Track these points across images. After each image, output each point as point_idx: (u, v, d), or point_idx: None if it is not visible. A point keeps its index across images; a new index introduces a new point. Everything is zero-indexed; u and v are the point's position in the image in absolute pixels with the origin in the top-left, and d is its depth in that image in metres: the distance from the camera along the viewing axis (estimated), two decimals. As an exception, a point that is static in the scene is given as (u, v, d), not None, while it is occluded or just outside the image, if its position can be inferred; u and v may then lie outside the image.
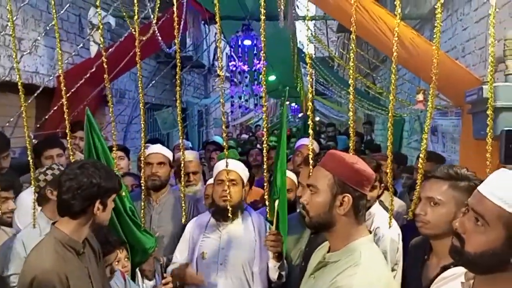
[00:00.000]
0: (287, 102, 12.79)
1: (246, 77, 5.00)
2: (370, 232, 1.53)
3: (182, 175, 2.42)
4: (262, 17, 1.91)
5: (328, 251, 1.53)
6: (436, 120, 4.34)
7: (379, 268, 1.43)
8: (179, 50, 2.19)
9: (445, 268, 1.59)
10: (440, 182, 1.60)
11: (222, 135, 10.19)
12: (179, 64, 2.20)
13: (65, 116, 3.65)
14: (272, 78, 6.32)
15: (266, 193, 2.29)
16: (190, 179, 2.91)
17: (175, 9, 2.11)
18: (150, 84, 5.16)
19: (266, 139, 2.23)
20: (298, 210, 2.51)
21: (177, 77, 2.20)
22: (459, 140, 3.37)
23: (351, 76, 1.85)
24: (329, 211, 1.45)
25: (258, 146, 6.91)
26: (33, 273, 1.57)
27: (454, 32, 3.63)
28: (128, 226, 2.32)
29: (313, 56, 8.01)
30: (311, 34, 5.77)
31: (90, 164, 1.75)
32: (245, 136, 10.87)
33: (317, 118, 15.72)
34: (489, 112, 1.68)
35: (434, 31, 1.65)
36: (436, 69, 1.60)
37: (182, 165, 2.42)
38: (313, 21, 5.16)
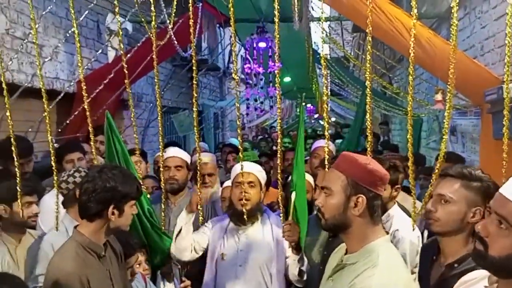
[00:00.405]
0: (303, 104, 12.74)
1: (261, 79, 5.02)
2: (387, 233, 1.52)
3: (198, 178, 2.44)
4: (276, 20, 1.92)
5: (346, 253, 1.53)
6: (455, 120, 4.27)
7: (398, 269, 1.42)
8: (195, 54, 2.22)
9: (450, 267, 1.58)
10: (453, 180, 1.59)
11: (238, 137, 10.26)
12: (195, 68, 2.23)
13: (85, 120, 3.73)
14: (287, 79, 6.32)
15: (280, 195, 2.29)
16: (205, 180, 2.94)
17: (190, 14, 2.14)
18: (167, 88, 5.23)
19: (281, 141, 2.23)
20: (315, 212, 2.52)
21: (194, 80, 2.23)
22: (479, 140, 3.32)
23: (368, 77, 1.84)
24: (344, 212, 1.45)
25: (274, 147, 6.91)
26: (55, 276, 1.60)
27: (473, 31, 3.57)
28: (146, 228, 2.36)
29: (328, 56, 7.99)
30: (326, 35, 5.76)
31: (109, 168, 1.77)
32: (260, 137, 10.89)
33: (333, 119, 15.63)
34: (505, 112, 1.65)
35: (451, 30, 1.62)
36: (453, 69, 1.58)
37: (197, 167, 2.44)
38: (328, 22, 5.14)
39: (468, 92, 2.89)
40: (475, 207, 1.55)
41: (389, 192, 2.19)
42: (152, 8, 2.26)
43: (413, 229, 2.00)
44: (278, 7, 1.89)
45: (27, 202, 2.20)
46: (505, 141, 1.63)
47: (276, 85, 2.12)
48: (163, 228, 2.54)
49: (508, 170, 1.83)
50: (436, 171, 1.60)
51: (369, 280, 1.34)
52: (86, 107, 2.35)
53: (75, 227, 1.78)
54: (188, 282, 2.15)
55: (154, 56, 2.38)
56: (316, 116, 16.29)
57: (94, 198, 1.68)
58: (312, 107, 15.00)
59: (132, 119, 2.46)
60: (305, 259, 2.25)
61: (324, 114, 2.13)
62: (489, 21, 3.22)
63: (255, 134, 13.30)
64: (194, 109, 2.33)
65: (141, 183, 1.92)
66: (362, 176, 1.45)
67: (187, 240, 2.35)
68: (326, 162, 1.98)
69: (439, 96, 3.06)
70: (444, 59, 2.60)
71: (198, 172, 2.42)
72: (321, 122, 16.73)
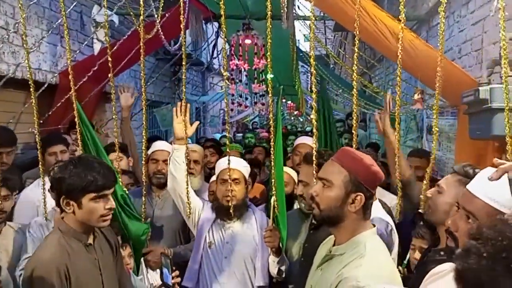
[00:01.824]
0: (283, 100, 12.83)
1: (246, 76, 5.05)
2: (374, 225, 1.59)
3: (186, 166, 2.40)
4: (269, 18, 1.96)
5: (334, 245, 1.59)
6: (432, 119, 4.42)
7: (383, 259, 1.49)
8: (185, 50, 2.24)
9: (436, 252, 1.66)
10: (453, 174, 1.67)
11: (220, 132, 10.22)
12: (185, 63, 2.24)
13: (67, 112, 3.68)
14: (271, 76, 6.36)
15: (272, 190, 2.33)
16: (191, 166, 2.94)
17: (181, 9, 2.16)
18: (150, 81, 5.19)
19: (273, 138, 2.27)
20: (297, 207, 2.58)
21: (183, 76, 2.25)
22: (454, 139, 3.45)
23: (354, 78, 1.91)
24: (340, 206, 1.50)
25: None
26: (33, 265, 1.62)
27: (451, 34, 3.71)
28: (120, 215, 2.34)
29: (309, 53, 8.08)
30: (310, 33, 5.82)
31: (72, 160, 1.75)
32: (239, 134, 10.90)
33: (312, 116, 15.75)
34: (506, 111, 1.73)
35: (439, 39, 1.71)
36: (440, 72, 1.67)
37: (187, 155, 2.42)
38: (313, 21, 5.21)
39: (446, 93, 3.01)
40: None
41: None
42: (141, 1, 2.26)
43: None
44: (270, 5, 1.93)
45: None
46: (509, 140, 1.70)
47: (268, 81, 2.17)
48: (143, 218, 2.54)
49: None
50: (428, 169, 1.68)
51: (356, 270, 1.40)
52: (73, 98, 2.32)
53: (61, 216, 1.78)
54: (177, 273, 2.19)
55: (141, 50, 2.38)
56: (295, 112, 16.42)
57: (53, 189, 1.72)
58: (292, 103, 15.10)
59: (113, 111, 2.44)
60: (286, 259, 2.31)
61: (313, 113, 2.19)
62: (467, 25, 3.35)
63: (236, 129, 13.32)
64: (183, 103, 2.35)
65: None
66: (365, 176, 1.50)
67: (183, 169, 2.30)
68: (314, 159, 2.04)
69: (417, 96, 3.16)
70: (424, 61, 2.72)
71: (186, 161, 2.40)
72: (301, 119, 16.91)
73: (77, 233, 1.73)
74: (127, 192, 2.39)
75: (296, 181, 2.67)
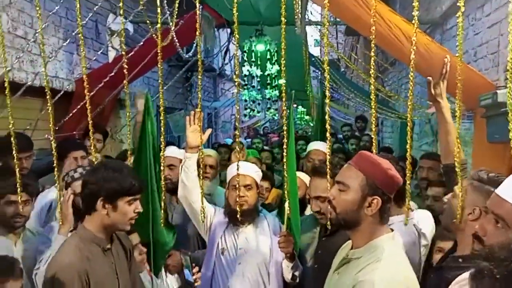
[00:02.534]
0: (294, 105, 12.84)
1: (258, 81, 5.07)
2: (392, 230, 1.58)
3: (201, 171, 2.39)
4: (283, 25, 1.97)
5: (351, 248, 1.58)
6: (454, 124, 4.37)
7: (400, 263, 1.48)
8: (200, 56, 2.26)
9: (454, 258, 1.63)
10: (468, 179, 1.66)
11: (232, 138, 10.28)
12: (201, 70, 2.26)
13: (82, 119, 3.73)
14: (281, 81, 6.40)
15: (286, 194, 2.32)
16: (206, 170, 2.94)
17: (198, 17, 2.19)
18: (163, 88, 5.23)
19: (285, 142, 2.27)
20: (309, 212, 2.56)
21: (199, 82, 2.27)
22: (470, 143, 3.41)
23: (372, 86, 1.90)
24: (357, 210, 1.50)
25: (266, 147, 6.97)
26: (54, 269, 1.65)
27: (466, 37, 3.67)
28: (156, 222, 2.38)
29: (321, 58, 8.08)
30: (322, 38, 5.83)
31: (107, 163, 1.83)
32: (240, 139, 10.92)
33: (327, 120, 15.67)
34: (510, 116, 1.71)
35: (457, 44, 1.70)
36: (460, 76, 1.66)
37: (202, 160, 2.44)
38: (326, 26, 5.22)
39: (462, 97, 2.98)
40: (472, 208, 1.61)
41: None
42: (158, 10, 2.29)
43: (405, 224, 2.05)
44: (285, 12, 1.94)
45: (10, 201, 2.21)
46: None
47: (281, 86, 2.17)
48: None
49: (504, 172, 1.90)
50: (458, 177, 1.65)
51: (372, 274, 1.40)
52: (87, 105, 2.36)
53: (81, 222, 1.82)
54: (197, 268, 2.19)
55: (159, 57, 2.42)
56: (306, 117, 16.39)
57: (86, 190, 1.75)
58: (303, 109, 15.08)
59: (127, 118, 2.49)
60: (299, 265, 2.30)
61: (327, 117, 2.18)
62: (483, 28, 3.32)
63: (247, 134, 13.35)
64: (199, 109, 2.37)
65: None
66: (382, 180, 1.50)
67: (194, 177, 2.32)
68: (328, 166, 2.02)
69: (433, 100, 3.13)
70: (439, 64, 2.69)
71: (200, 164, 2.40)
72: (311, 124, 16.87)
73: (97, 237, 1.76)
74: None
75: (308, 185, 2.66)
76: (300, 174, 2.88)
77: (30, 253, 2.26)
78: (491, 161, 2.57)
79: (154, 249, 2.38)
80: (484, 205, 1.57)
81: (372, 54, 1.86)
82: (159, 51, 2.39)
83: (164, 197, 2.54)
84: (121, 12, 2.44)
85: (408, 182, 1.96)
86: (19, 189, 2.13)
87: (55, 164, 2.31)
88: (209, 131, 2.53)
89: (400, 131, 6.38)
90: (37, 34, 3.10)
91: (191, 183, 2.33)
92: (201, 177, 2.34)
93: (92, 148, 2.44)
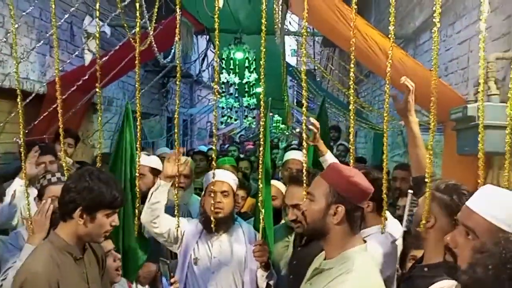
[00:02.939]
0: (271, 114, 12.92)
1: (236, 89, 5.08)
2: (365, 241, 1.59)
3: (176, 180, 2.35)
4: (263, 34, 1.98)
5: (324, 259, 1.59)
6: (428, 137, 4.49)
7: (371, 275, 1.49)
8: (179, 62, 2.24)
9: (420, 268, 1.65)
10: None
11: (206, 145, 10.23)
12: (179, 76, 2.24)
13: (53, 122, 3.63)
14: (259, 90, 6.44)
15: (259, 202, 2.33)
16: (181, 180, 2.91)
17: (177, 22, 2.17)
18: (139, 93, 5.16)
19: (261, 151, 2.28)
20: (283, 221, 2.57)
21: (177, 88, 2.25)
22: (440, 155, 3.52)
23: (351, 96, 1.94)
24: (323, 218, 1.51)
25: (241, 155, 6.97)
26: (24, 276, 1.59)
27: (437, 52, 3.80)
28: (129, 232, 2.32)
29: (298, 68, 8.19)
30: (300, 48, 5.91)
31: (90, 172, 1.73)
32: (225, 146, 10.91)
33: (298, 129, 15.89)
34: (480, 129, 1.79)
35: (432, 60, 1.76)
36: (434, 90, 1.71)
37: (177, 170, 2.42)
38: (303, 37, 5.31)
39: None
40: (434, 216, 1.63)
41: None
42: (137, 14, 2.27)
43: (382, 232, 2.07)
44: (265, 21, 1.96)
45: None
46: (481, 157, 1.74)
47: (261, 95, 2.18)
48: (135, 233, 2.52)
49: (474, 184, 1.97)
50: (427, 188, 1.69)
51: (342, 286, 1.41)
52: (59, 108, 2.31)
53: (53, 229, 1.76)
54: (176, 278, 2.15)
55: (137, 62, 2.38)
56: (282, 126, 16.53)
57: (67, 197, 1.68)
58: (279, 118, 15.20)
59: (98, 122, 2.44)
60: (274, 273, 2.30)
61: (303, 126, 2.20)
62: (453, 45, 3.45)
63: (222, 142, 13.32)
64: (176, 115, 2.35)
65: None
66: (344, 187, 1.52)
67: (161, 208, 2.27)
68: (304, 175, 2.04)
69: (406, 112, 3.21)
70: (413, 78, 2.78)
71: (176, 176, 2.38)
72: (286, 133, 16.99)
73: (69, 246, 1.70)
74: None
75: (284, 193, 2.66)
76: (276, 183, 2.88)
77: None
78: (461, 172, 2.66)
79: (125, 261, 2.31)
80: (438, 213, 1.62)
81: (352, 66, 1.90)
82: (137, 55, 2.35)
83: (138, 205, 2.49)
84: (97, 14, 2.40)
85: (384, 191, 2.00)
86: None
87: (23, 169, 2.24)
88: (188, 160, 2.52)
89: (374, 142, 6.51)
90: (8, 34, 3.00)
91: (159, 211, 2.28)
92: (176, 186, 2.31)
93: (62, 152, 2.37)
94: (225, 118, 5.32)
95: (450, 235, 1.26)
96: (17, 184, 2.59)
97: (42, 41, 3.30)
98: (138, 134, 2.51)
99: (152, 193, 2.28)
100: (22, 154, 2.24)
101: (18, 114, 2.24)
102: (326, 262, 1.55)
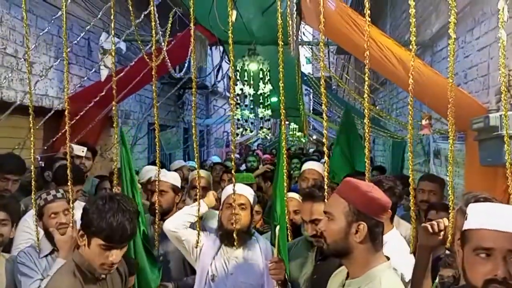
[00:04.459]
0: (287, 122, 12.88)
1: (251, 100, 5.08)
2: (388, 259, 1.55)
3: (198, 194, 2.47)
4: (280, 45, 1.97)
5: (347, 278, 1.55)
6: (439, 143, 4.40)
7: None
8: (195, 77, 2.25)
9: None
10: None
11: (220, 155, 10.22)
12: (194, 90, 2.25)
13: (72, 137, 3.69)
14: (274, 99, 6.43)
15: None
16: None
17: (192, 35, 2.18)
18: (155, 106, 5.23)
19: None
20: (303, 235, 2.52)
21: (193, 103, 2.26)
22: (462, 164, 3.42)
23: (366, 107, 1.91)
24: (345, 238, 1.48)
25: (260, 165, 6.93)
26: None
27: (456, 59, 3.73)
28: (140, 250, 2.33)
29: (312, 76, 8.17)
30: (315, 58, 5.90)
31: (108, 197, 1.70)
32: (237, 155, 10.92)
33: (314, 137, 15.82)
34: (506, 140, 1.72)
35: (447, 66, 1.71)
36: (451, 99, 1.66)
37: (198, 184, 2.49)
38: (316, 46, 5.29)
39: (454, 118, 3.01)
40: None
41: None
42: (153, 32, 2.29)
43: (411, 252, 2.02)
44: (281, 34, 1.95)
45: None
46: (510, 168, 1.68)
47: (281, 105, 2.17)
48: (156, 250, 2.52)
49: (497, 195, 1.90)
50: (450, 202, 1.64)
51: None
52: (66, 126, 2.37)
53: (77, 248, 1.77)
54: None
55: (153, 78, 2.42)
56: (298, 134, 16.47)
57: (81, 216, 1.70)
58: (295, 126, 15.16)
59: (115, 136, 2.49)
60: None
61: (324, 139, 2.17)
62: (472, 51, 3.37)
63: (239, 151, 13.33)
64: (194, 127, 2.38)
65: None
66: (363, 203, 1.48)
67: (190, 219, 2.44)
68: (325, 193, 2.01)
69: (425, 122, 3.15)
70: (431, 87, 2.72)
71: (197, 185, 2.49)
72: (303, 140, 16.92)
73: (90, 266, 1.70)
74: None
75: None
76: (297, 197, 2.84)
77: (3, 279, 2.18)
78: (483, 183, 2.58)
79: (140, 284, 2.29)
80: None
81: (366, 78, 1.87)
82: (153, 72, 2.38)
83: (158, 222, 2.50)
84: (113, 32, 2.44)
85: (412, 204, 1.96)
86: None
87: (33, 186, 2.26)
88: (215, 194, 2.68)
89: (392, 150, 6.40)
90: (22, 52, 3.08)
91: (185, 225, 2.44)
92: (198, 199, 2.40)
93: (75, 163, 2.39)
94: (241, 130, 5.32)
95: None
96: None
97: (59, 59, 3.37)
98: (157, 150, 2.54)
99: (186, 210, 2.45)
100: (32, 173, 2.27)
101: (35, 130, 2.28)
102: (351, 281, 1.51)
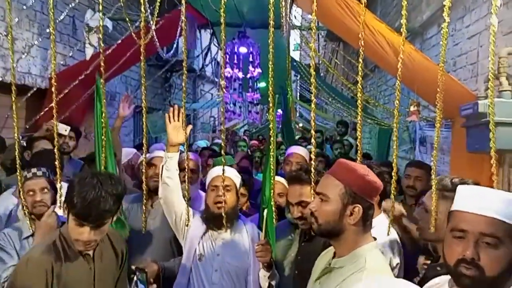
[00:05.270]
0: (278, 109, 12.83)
1: (240, 84, 5.03)
2: (375, 239, 1.56)
3: (186, 175, 2.36)
4: (271, 27, 1.93)
5: (333, 257, 1.56)
6: (425, 131, 4.44)
7: (384, 273, 1.46)
8: (186, 58, 2.20)
9: (427, 268, 1.65)
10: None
11: (207, 139, 10.18)
12: (185, 72, 2.21)
13: (56, 116, 3.61)
14: (262, 84, 6.38)
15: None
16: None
17: (182, 16, 2.12)
18: (142, 87, 5.13)
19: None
20: (287, 218, 2.53)
21: (183, 84, 2.21)
22: (448, 151, 3.46)
23: (359, 96, 1.89)
24: (339, 219, 1.48)
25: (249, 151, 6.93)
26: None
27: (446, 47, 3.74)
28: None
29: (301, 62, 8.13)
30: (305, 42, 5.85)
31: (92, 174, 1.66)
32: (218, 141, 10.86)
33: (301, 124, 15.82)
34: (491, 126, 1.74)
35: (436, 53, 1.70)
36: (440, 85, 1.66)
37: (186, 163, 2.37)
38: (306, 30, 5.24)
39: (442, 105, 3.02)
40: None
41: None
42: (142, 9, 2.22)
43: (388, 233, 2.05)
44: (273, 15, 1.91)
45: None
46: (494, 155, 1.70)
47: (269, 90, 2.14)
48: (143, 229, 2.49)
49: (483, 181, 1.93)
50: (433, 184, 1.66)
51: (356, 285, 1.37)
52: (53, 103, 2.29)
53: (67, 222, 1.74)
54: (154, 286, 2.11)
55: (142, 57, 2.36)
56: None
57: None
58: (282, 112, 15.12)
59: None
60: (276, 273, 2.26)
61: (312, 123, 2.15)
62: (462, 39, 3.38)
63: (226, 137, 13.28)
64: (183, 110, 2.32)
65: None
66: (361, 186, 1.49)
67: (176, 177, 2.28)
68: (312, 176, 2.00)
69: (413, 108, 3.16)
70: (421, 73, 2.72)
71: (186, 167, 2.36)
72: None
73: (71, 240, 1.68)
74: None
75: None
76: (282, 180, 2.84)
77: None
78: (470, 170, 2.61)
79: None
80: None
81: (360, 61, 1.85)
82: (142, 50, 2.31)
83: (145, 201, 2.46)
84: (100, 8, 2.36)
85: (393, 188, 1.97)
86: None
87: (17, 164, 2.20)
88: (189, 127, 2.46)
89: (378, 137, 6.46)
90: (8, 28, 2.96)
91: (173, 183, 2.28)
92: (187, 181, 2.30)
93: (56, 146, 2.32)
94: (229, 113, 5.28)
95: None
96: (13, 203, 2.52)
97: (42, 36, 3.26)
98: (144, 130, 2.49)
99: (163, 167, 2.28)
100: (16, 152, 2.20)
101: (18, 109, 2.20)
102: (337, 260, 1.53)
